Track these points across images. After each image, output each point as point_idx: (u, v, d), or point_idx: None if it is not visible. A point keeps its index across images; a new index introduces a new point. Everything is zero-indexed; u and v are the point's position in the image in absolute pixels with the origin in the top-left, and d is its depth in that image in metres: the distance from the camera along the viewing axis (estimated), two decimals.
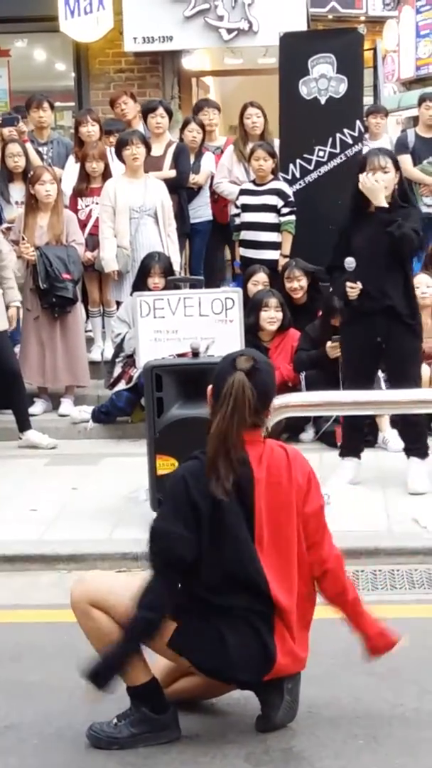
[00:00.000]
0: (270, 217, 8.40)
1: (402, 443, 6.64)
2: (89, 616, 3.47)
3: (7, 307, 7.55)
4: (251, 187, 8.53)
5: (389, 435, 7.04)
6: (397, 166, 6.17)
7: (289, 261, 8.16)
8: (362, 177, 6.03)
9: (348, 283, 6.14)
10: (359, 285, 6.11)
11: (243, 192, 8.55)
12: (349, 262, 6.11)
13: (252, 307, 7.53)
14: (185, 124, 9.43)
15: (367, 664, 3.71)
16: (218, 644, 3.40)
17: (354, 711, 3.70)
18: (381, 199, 6.01)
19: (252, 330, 7.43)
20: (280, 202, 8.38)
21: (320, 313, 7.61)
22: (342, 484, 6.22)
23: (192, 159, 9.18)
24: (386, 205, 6.02)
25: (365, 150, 9.12)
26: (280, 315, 7.61)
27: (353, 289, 6.13)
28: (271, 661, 3.42)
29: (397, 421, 7.09)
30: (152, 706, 3.50)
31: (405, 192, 6.51)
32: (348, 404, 5.80)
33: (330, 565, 3.54)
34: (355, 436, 6.48)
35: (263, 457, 3.47)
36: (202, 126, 9.34)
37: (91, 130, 8.91)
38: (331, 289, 7.80)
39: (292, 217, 8.40)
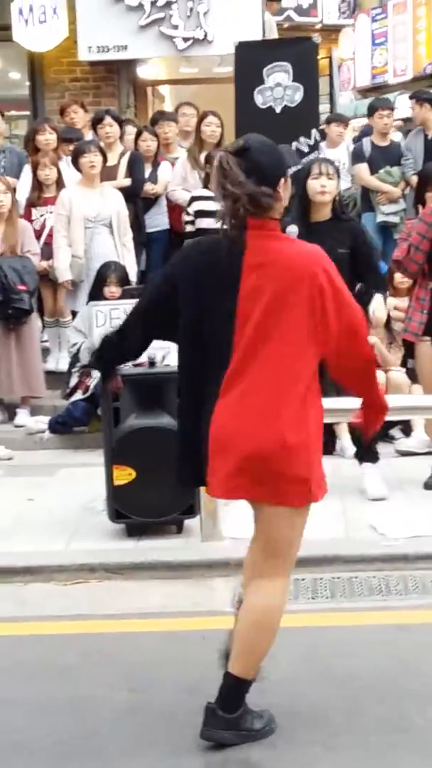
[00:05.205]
0: None
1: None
2: None
3: None
4: (207, 193, 8.47)
5: (347, 443, 7.03)
6: (338, 176, 6.17)
7: None
8: (310, 182, 6.02)
9: None
10: None
11: (197, 198, 8.46)
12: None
13: None
14: (139, 133, 9.39)
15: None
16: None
17: (313, 719, 3.67)
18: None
19: None
20: None
21: None
22: None
23: (149, 169, 9.16)
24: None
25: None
26: None
27: None
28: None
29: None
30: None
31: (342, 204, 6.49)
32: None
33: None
34: None
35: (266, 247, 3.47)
36: (155, 135, 9.32)
37: (48, 138, 8.86)
38: None
39: None
